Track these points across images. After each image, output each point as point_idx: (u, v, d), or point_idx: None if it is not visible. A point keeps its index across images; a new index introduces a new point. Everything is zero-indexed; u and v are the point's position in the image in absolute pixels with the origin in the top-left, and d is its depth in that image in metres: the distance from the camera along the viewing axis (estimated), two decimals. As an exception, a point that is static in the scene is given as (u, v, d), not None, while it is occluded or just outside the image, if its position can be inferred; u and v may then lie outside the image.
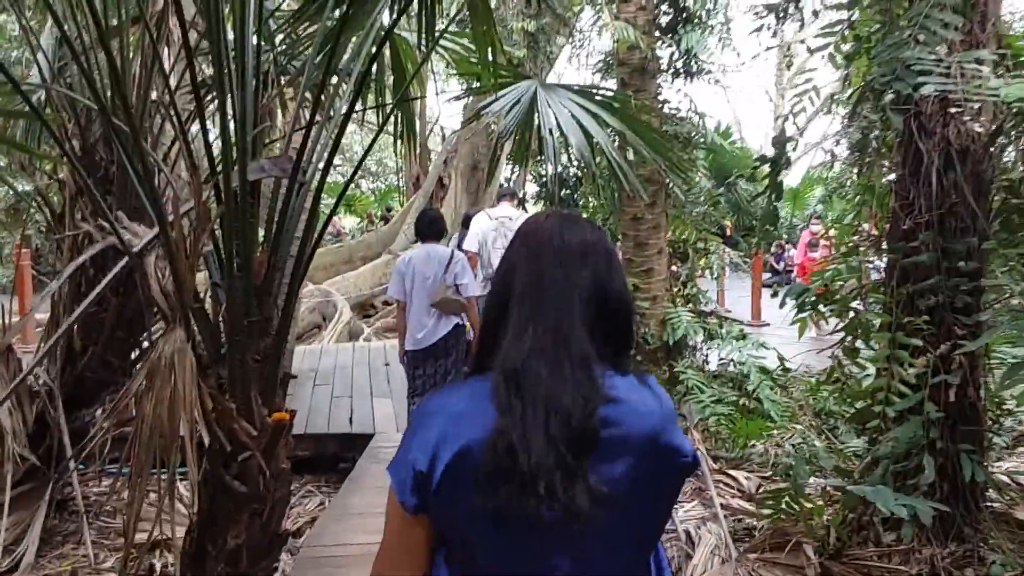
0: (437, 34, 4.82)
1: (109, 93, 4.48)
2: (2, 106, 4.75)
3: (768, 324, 11.88)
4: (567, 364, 1.21)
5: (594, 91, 5.26)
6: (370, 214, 24.21)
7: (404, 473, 1.23)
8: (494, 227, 7.39)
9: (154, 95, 4.74)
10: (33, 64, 4.67)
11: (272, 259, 2.87)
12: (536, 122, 4.71)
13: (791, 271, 19.40)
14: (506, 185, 13.90)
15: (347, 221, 26.43)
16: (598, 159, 4.94)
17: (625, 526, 1.26)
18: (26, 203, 6.12)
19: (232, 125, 2.70)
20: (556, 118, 4.62)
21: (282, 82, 4.39)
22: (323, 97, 3.00)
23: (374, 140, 3.81)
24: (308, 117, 2.95)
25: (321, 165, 2.99)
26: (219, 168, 2.64)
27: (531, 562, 1.24)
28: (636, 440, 1.23)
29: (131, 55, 4.49)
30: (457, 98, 10.00)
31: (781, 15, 4.77)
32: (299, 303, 8.28)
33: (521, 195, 19.93)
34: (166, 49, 4.85)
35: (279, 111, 4.72)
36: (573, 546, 1.23)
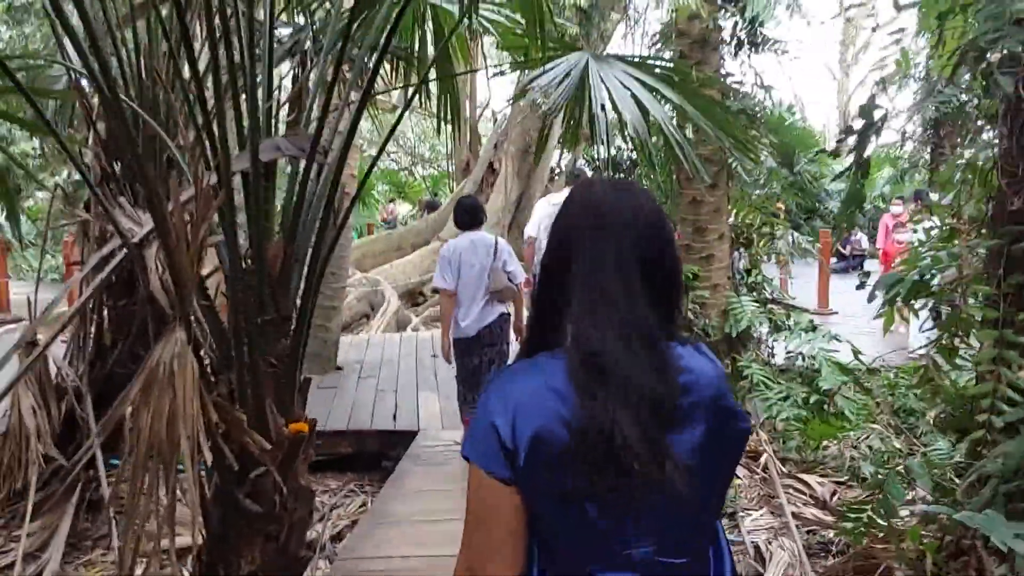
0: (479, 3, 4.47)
1: (129, 70, 4.23)
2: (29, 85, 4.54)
3: (836, 312, 11.30)
4: (638, 343, 1.22)
5: (652, 62, 4.83)
6: (420, 201, 24.00)
7: (488, 447, 1.21)
8: (553, 213, 7.07)
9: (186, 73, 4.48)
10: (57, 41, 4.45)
11: (289, 249, 2.55)
12: (588, 97, 4.34)
13: (859, 256, 18.63)
14: (578, 166, 13.38)
15: (401, 208, 26.26)
16: (654, 137, 4.55)
17: (700, 493, 1.25)
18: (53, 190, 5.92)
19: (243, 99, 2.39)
20: (609, 92, 4.24)
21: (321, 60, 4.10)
22: (342, 71, 2.65)
23: (398, 120, 3.46)
24: (326, 94, 2.61)
25: (340, 146, 2.64)
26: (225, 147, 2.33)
27: (617, 541, 1.25)
28: (704, 407, 1.26)
29: (158, 31, 4.24)
30: (501, 73, 9.56)
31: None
32: (346, 292, 8.03)
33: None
34: (197, 24, 4.59)
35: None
36: (658, 519, 1.25)
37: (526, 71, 5.03)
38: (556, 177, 17.30)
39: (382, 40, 3.04)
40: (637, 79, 4.30)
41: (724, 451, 1.32)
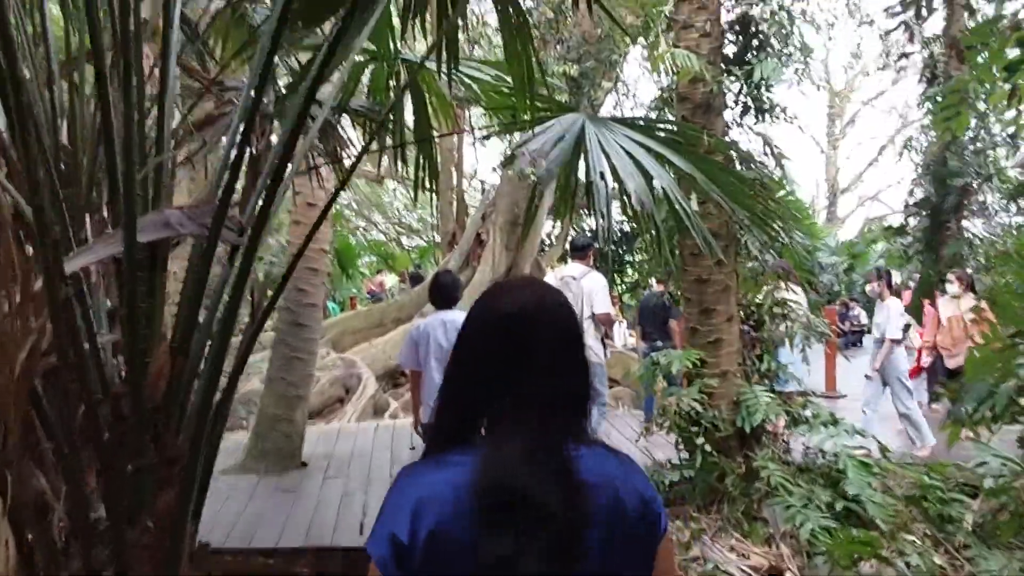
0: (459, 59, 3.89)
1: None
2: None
3: (844, 396, 10.63)
4: (547, 465, 1.22)
5: (655, 125, 4.21)
6: (402, 274, 23.39)
7: (385, 545, 1.22)
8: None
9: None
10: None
11: (180, 363, 1.85)
12: (585, 164, 3.73)
13: (858, 332, 18.04)
14: (581, 237, 12.87)
15: (390, 280, 25.62)
16: (661, 210, 3.92)
17: None
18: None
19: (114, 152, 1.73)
20: (608, 158, 3.64)
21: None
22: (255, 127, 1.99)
23: (356, 163, 2.76)
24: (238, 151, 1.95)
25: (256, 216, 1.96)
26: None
27: None
28: (609, 511, 1.26)
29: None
30: (487, 137, 9.00)
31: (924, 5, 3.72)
32: (313, 378, 7.29)
33: (561, 253, 19.06)
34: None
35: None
36: None
37: (515, 134, 4.38)
38: (547, 249, 16.75)
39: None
40: (639, 143, 3.69)
41: (633, 550, 1.31)
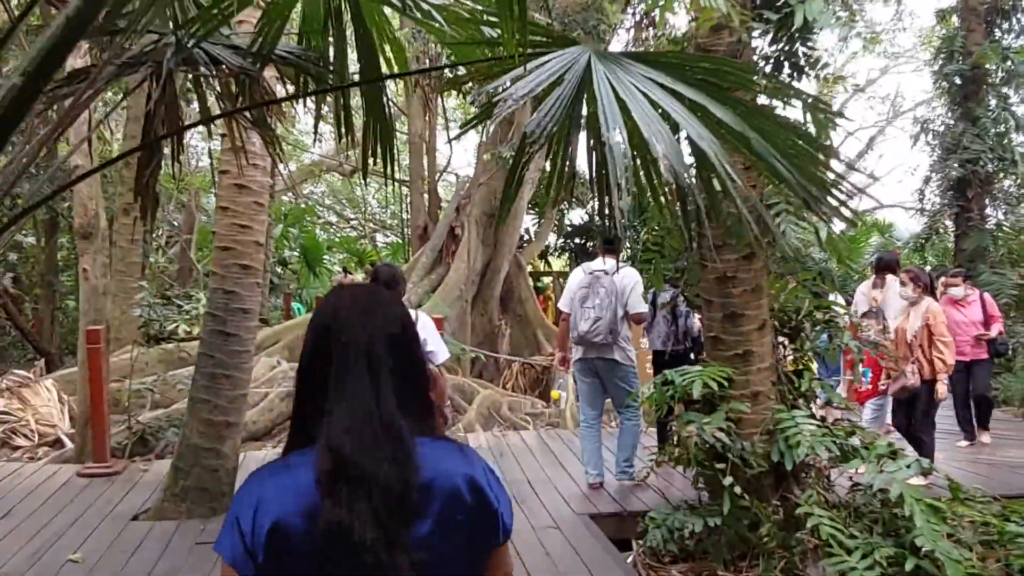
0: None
1: None
2: None
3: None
4: (383, 438, 1.32)
5: (688, 62, 2.98)
6: (367, 270, 22.12)
7: (233, 544, 1.31)
8: (586, 283, 6.15)
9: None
10: None
11: None
12: (599, 116, 2.55)
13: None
14: (605, 230, 11.82)
15: (360, 277, 24.30)
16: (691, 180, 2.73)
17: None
18: None
19: None
20: (626, 110, 2.46)
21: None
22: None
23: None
24: None
25: None
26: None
27: None
28: (442, 501, 1.35)
29: None
30: (462, 133, 7.61)
31: None
32: (246, 398, 6.07)
33: (542, 250, 17.92)
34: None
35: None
36: None
37: (490, 90, 3.15)
38: (526, 244, 15.59)
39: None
40: (667, 89, 2.51)
41: (464, 544, 1.39)
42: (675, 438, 5.98)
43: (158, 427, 7.32)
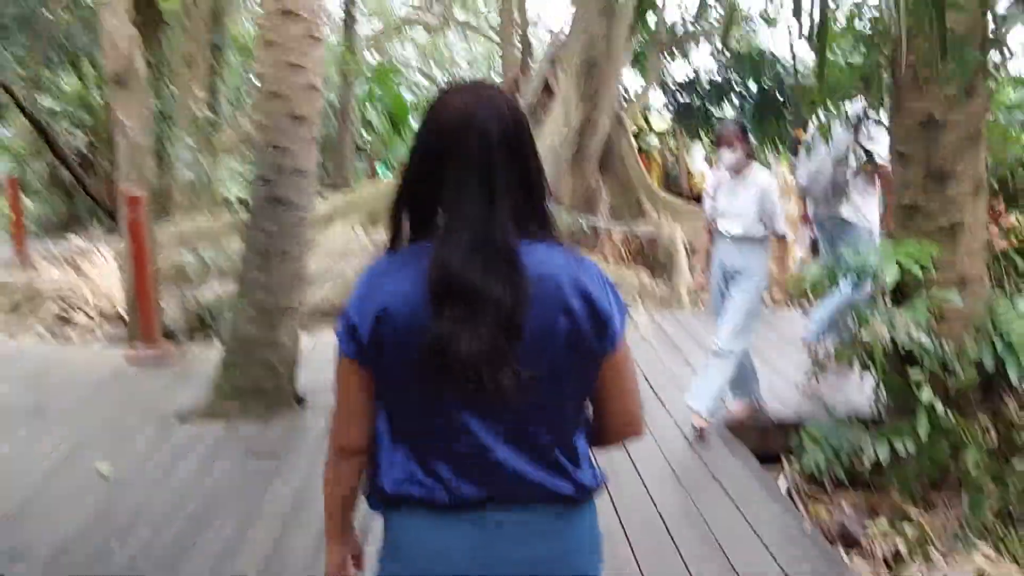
0: None
1: None
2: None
3: None
4: (493, 257, 1.30)
5: None
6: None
7: (343, 330, 1.36)
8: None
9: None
10: None
11: None
12: None
13: None
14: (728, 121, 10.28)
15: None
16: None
17: (549, 400, 1.37)
18: None
19: None
20: None
21: None
22: None
23: None
24: None
25: None
26: None
27: (444, 420, 1.36)
28: (557, 310, 1.34)
29: None
30: None
31: None
32: (306, 273, 5.15)
33: (646, 107, 16.34)
34: None
35: None
36: (501, 420, 1.36)
37: None
38: (628, 102, 14.10)
39: None
40: None
41: (587, 347, 1.37)
42: (839, 337, 4.83)
43: (219, 307, 6.53)
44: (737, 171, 4.50)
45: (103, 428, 4.68)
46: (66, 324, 7.48)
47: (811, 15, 2.73)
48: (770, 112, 14.37)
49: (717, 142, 4.61)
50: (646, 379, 5.44)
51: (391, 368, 1.35)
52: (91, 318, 7.48)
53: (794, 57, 11.13)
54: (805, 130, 6.71)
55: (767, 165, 12.78)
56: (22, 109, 11.20)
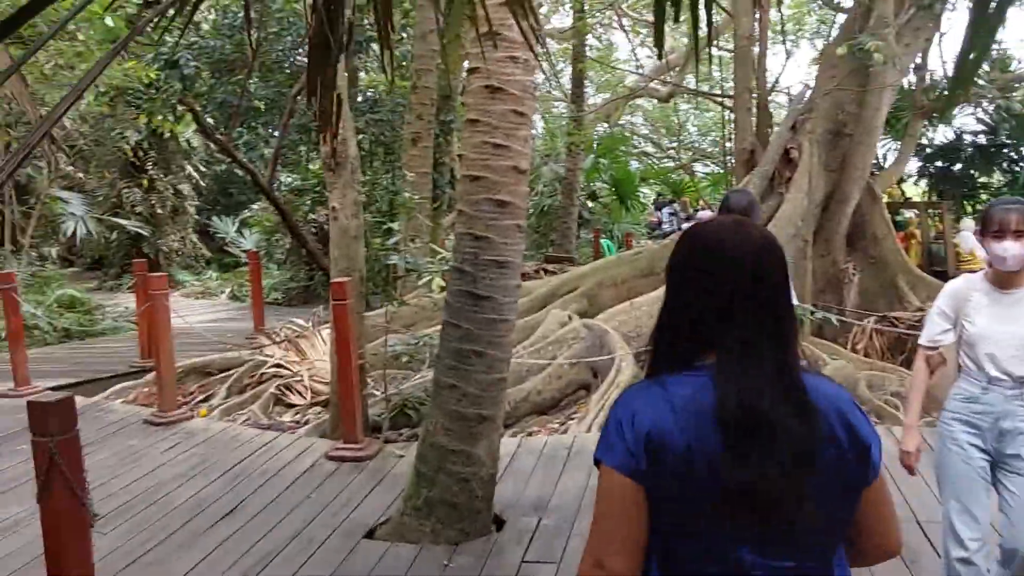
0: None
1: None
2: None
3: None
4: (785, 391, 1.33)
5: None
6: (682, 201, 20.01)
7: (615, 447, 1.36)
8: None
9: None
10: None
11: None
12: None
13: None
14: None
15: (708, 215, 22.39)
16: None
17: (827, 522, 1.38)
18: None
19: None
20: None
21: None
22: None
23: None
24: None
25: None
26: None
27: (735, 552, 1.34)
28: (836, 438, 1.36)
29: None
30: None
31: None
32: (504, 377, 4.62)
33: (900, 176, 14.76)
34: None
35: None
36: (784, 544, 1.35)
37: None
38: (877, 171, 12.73)
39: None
40: None
41: (851, 476, 1.39)
42: None
43: (420, 399, 6.18)
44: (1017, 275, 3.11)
45: (289, 538, 4.35)
46: (284, 405, 7.47)
47: None
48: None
49: (989, 227, 3.11)
50: (916, 520, 4.37)
51: (667, 497, 1.34)
52: (305, 400, 7.42)
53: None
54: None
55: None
56: (260, 187, 11.82)
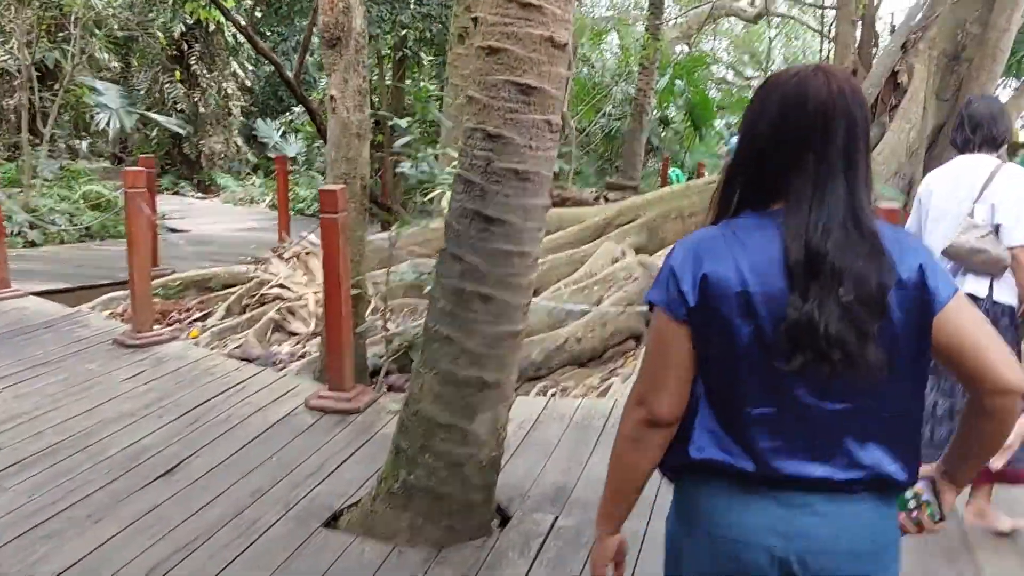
0: None
1: None
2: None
3: None
4: (856, 233, 1.30)
5: None
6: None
7: (667, 289, 1.35)
8: None
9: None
10: None
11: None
12: None
13: None
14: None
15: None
16: None
17: (896, 378, 1.33)
18: None
19: None
20: None
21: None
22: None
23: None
24: None
25: None
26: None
27: (776, 393, 1.33)
28: (910, 287, 1.32)
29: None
30: None
31: None
32: (520, 336, 3.50)
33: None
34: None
35: None
36: (849, 395, 1.33)
37: None
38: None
39: None
40: None
41: (920, 317, 1.34)
42: None
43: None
44: None
45: (232, 515, 3.36)
46: (281, 331, 6.50)
47: None
48: None
49: None
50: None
51: (721, 337, 1.32)
52: (307, 328, 6.44)
53: None
54: None
55: None
56: (285, 81, 10.80)
